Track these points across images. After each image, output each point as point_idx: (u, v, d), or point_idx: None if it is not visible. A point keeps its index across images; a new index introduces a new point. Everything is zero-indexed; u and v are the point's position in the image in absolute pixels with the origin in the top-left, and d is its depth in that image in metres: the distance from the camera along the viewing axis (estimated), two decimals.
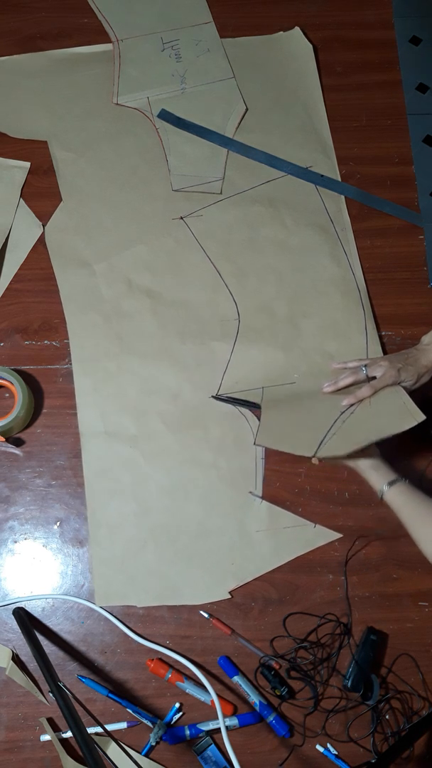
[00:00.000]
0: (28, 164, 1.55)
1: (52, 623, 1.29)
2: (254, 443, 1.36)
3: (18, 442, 1.38)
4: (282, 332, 1.46)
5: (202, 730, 1.22)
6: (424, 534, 1.15)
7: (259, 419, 1.34)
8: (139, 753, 1.21)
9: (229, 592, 1.30)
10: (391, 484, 1.20)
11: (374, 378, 1.29)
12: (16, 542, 1.33)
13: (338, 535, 1.34)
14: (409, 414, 1.23)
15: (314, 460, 1.23)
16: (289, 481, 1.37)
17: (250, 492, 1.36)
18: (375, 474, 1.23)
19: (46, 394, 1.41)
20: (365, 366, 1.31)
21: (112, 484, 1.36)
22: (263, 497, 1.35)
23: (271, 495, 1.36)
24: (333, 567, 1.32)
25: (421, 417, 1.23)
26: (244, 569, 1.32)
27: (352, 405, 1.29)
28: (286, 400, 1.38)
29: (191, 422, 1.40)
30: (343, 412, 1.29)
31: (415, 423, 1.22)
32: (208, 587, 1.31)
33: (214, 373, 1.43)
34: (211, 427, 1.39)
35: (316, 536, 1.34)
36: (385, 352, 1.45)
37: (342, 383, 1.31)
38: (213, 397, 1.40)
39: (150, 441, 1.38)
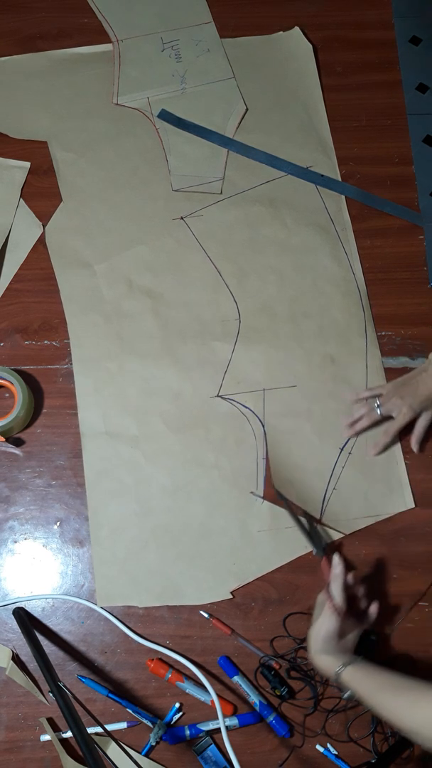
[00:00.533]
0: (28, 164, 1.55)
1: (52, 623, 1.29)
2: (262, 497, 1.37)
3: (18, 442, 1.38)
4: (283, 332, 1.46)
5: (202, 730, 1.22)
6: (391, 707, 1.03)
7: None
8: (139, 753, 1.21)
9: (231, 592, 1.30)
10: (346, 665, 1.10)
11: (390, 417, 1.36)
12: (16, 542, 1.33)
13: (340, 535, 1.34)
14: (402, 497, 1.37)
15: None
16: None
17: (252, 492, 1.36)
18: (328, 659, 1.14)
19: (46, 394, 1.41)
20: (378, 403, 1.35)
21: (114, 484, 1.36)
22: (264, 497, 1.35)
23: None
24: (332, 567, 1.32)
25: (411, 505, 1.36)
26: (245, 569, 1.32)
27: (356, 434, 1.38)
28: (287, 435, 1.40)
29: (192, 422, 1.40)
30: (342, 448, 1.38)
31: (404, 509, 1.36)
32: (209, 587, 1.31)
33: (215, 374, 1.43)
34: (212, 427, 1.40)
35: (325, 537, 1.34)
36: (384, 353, 1.45)
37: (359, 427, 1.37)
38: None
39: (151, 441, 1.38)
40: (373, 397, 1.37)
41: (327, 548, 1.32)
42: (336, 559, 1.21)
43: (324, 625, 1.15)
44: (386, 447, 1.37)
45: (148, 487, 1.36)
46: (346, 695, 1.12)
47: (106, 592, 1.30)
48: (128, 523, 1.34)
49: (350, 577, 1.21)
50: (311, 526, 1.33)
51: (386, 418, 1.37)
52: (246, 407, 1.41)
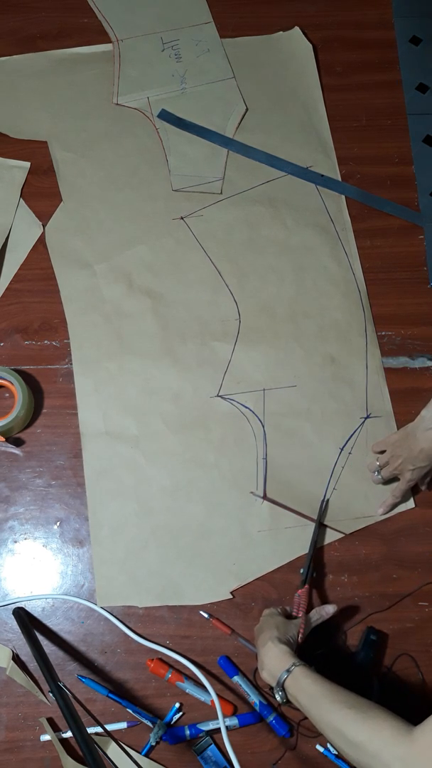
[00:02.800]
0: (28, 164, 1.55)
1: (52, 623, 1.29)
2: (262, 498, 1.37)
3: (18, 442, 1.38)
4: (283, 332, 1.46)
5: (202, 730, 1.22)
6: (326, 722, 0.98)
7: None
8: (139, 753, 1.21)
9: (231, 592, 1.30)
10: (296, 665, 1.06)
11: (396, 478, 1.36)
12: (16, 542, 1.33)
13: (340, 535, 1.34)
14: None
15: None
16: None
17: (252, 492, 1.36)
18: (278, 653, 1.10)
19: (46, 394, 1.41)
20: (378, 469, 1.36)
21: (114, 484, 1.36)
22: (264, 497, 1.35)
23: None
24: (333, 567, 1.32)
25: (411, 505, 1.37)
26: (245, 569, 1.32)
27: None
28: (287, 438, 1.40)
29: (192, 422, 1.40)
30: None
31: (404, 509, 1.37)
32: (209, 587, 1.31)
33: (215, 373, 1.43)
34: (212, 427, 1.40)
35: (319, 537, 1.34)
36: (384, 352, 1.46)
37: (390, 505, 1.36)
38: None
39: (151, 441, 1.38)
40: (378, 454, 1.37)
41: (311, 578, 1.30)
42: (331, 609, 1.22)
43: (272, 612, 1.20)
44: (394, 506, 1.36)
45: (148, 487, 1.36)
46: (278, 696, 1.07)
47: (106, 592, 1.30)
48: (128, 523, 1.34)
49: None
50: (314, 551, 1.32)
51: (393, 479, 1.36)
52: (246, 407, 1.41)
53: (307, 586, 1.27)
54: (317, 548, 1.33)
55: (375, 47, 1.68)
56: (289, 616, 1.22)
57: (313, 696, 1.01)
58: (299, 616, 1.21)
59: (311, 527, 1.33)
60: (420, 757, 0.83)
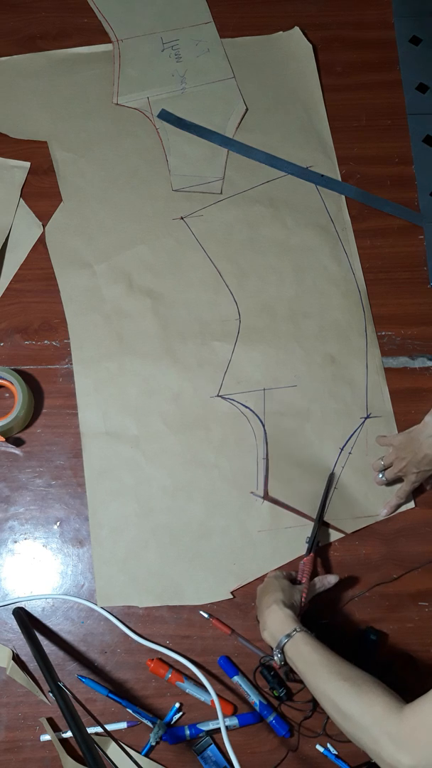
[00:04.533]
0: (28, 164, 1.55)
1: (52, 623, 1.29)
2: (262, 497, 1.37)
3: (18, 442, 1.38)
4: (283, 332, 1.46)
5: (202, 730, 1.22)
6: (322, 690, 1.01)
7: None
8: (139, 753, 1.21)
9: (231, 592, 1.30)
10: (298, 631, 1.09)
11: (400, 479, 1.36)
12: (16, 542, 1.33)
13: (340, 535, 1.34)
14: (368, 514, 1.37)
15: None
16: None
17: (252, 492, 1.36)
18: (279, 616, 1.12)
19: (46, 394, 1.41)
20: (383, 470, 1.37)
21: (114, 484, 1.36)
22: (264, 497, 1.35)
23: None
24: (333, 567, 1.32)
25: (411, 505, 1.37)
26: (245, 569, 1.32)
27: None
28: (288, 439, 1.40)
29: (193, 422, 1.40)
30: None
31: (404, 509, 1.37)
32: (209, 587, 1.31)
33: (215, 373, 1.43)
34: (212, 427, 1.40)
35: (320, 536, 1.34)
36: (384, 352, 1.46)
37: (393, 506, 1.36)
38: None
39: (151, 441, 1.38)
40: (380, 460, 1.37)
41: (316, 548, 1.32)
42: (333, 579, 1.25)
43: (278, 575, 1.23)
44: (397, 507, 1.37)
45: (148, 487, 1.36)
46: (277, 658, 1.10)
47: (106, 592, 1.30)
48: (128, 523, 1.34)
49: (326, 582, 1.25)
50: (320, 522, 1.34)
51: (396, 481, 1.37)
52: (246, 407, 1.41)
53: (312, 554, 1.29)
54: (319, 547, 1.34)
55: (375, 47, 1.68)
56: (293, 581, 1.24)
57: (311, 663, 1.03)
58: (303, 583, 1.23)
59: (312, 527, 1.33)
60: (407, 735, 0.86)
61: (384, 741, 0.87)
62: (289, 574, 1.26)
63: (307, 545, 1.31)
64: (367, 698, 0.93)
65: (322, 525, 1.34)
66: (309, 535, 1.32)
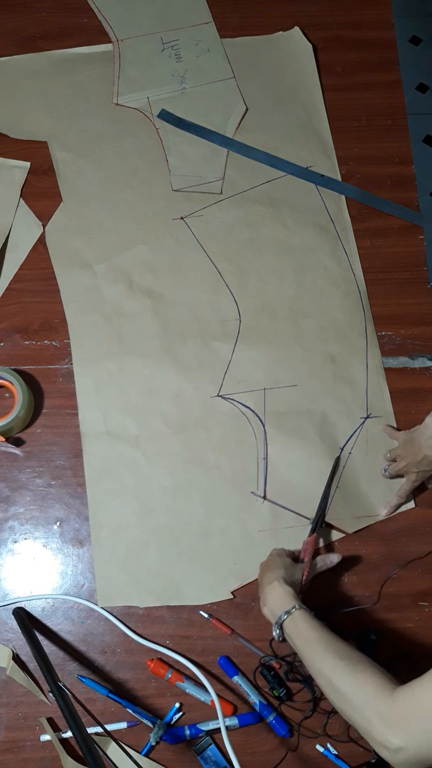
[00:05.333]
0: (28, 164, 1.55)
1: (52, 623, 1.29)
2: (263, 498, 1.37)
3: (18, 442, 1.38)
4: (283, 332, 1.46)
5: (202, 730, 1.22)
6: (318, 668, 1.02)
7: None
8: (139, 753, 1.21)
9: (231, 592, 1.30)
10: (297, 608, 1.10)
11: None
12: (16, 542, 1.33)
13: (340, 535, 1.34)
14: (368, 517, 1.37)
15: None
16: None
17: (252, 492, 1.36)
18: (280, 592, 1.14)
19: (46, 394, 1.41)
20: (387, 465, 1.37)
21: (114, 484, 1.36)
22: (265, 497, 1.35)
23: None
24: (333, 567, 1.32)
25: (411, 505, 1.37)
26: (246, 569, 1.32)
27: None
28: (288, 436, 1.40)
29: (193, 422, 1.40)
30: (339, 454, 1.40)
31: (404, 509, 1.37)
32: (210, 587, 1.31)
33: (216, 373, 1.43)
34: (212, 427, 1.40)
35: (321, 535, 1.34)
36: (384, 352, 1.46)
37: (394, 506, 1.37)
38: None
39: (151, 441, 1.38)
40: (389, 451, 1.38)
41: (320, 528, 1.33)
42: (336, 558, 1.26)
43: (281, 552, 1.25)
44: (398, 507, 1.37)
45: (148, 487, 1.36)
46: (275, 634, 1.12)
47: (107, 593, 1.30)
48: (129, 524, 1.34)
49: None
50: (325, 503, 1.35)
51: (399, 476, 1.37)
52: (246, 407, 1.41)
53: (315, 534, 1.30)
54: (323, 527, 1.35)
55: (375, 47, 1.68)
56: (295, 560, 1.26)
57: (309, 641, 1.04)
58: (305, 561, 1.24)
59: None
60: (398, 716, 0.88)
61: (375, 720, 0.89)
62: (291, 552, 1.28)
63: (311, 525, 1.32)
64: (361, 678, 0.95)
65: (323, 526, 1.34)
66: (312, 517, 1.33)
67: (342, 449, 1.39)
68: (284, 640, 1.11)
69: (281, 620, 1.10)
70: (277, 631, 1.11)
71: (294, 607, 1.10)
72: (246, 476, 1.37)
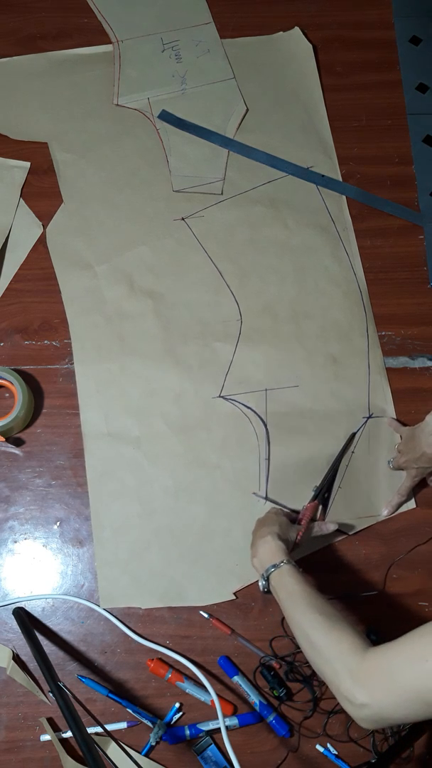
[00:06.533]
0: (28, 164, 1.55)
1: (52, 623, 1.29)
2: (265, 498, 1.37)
3: (18, 442, 1.38)
4: (284, 333, 1.46)
5: (202, 730, 1.22)
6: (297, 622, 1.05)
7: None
8: (139, 753, 1.21)
9: (233, 593, 1.30)
10: (286, 563, 1.13)
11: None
12: (16, 542, 1.33)
13: (342, 536, 1.34)
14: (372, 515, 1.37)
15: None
16: None
17: (254, 493, 1.36)
18: (272, 547, 1.17)
19: (46, 394, 1.41)
20: (391, 458, 1.38)
21: (116, 485, 1.36)
22: (267, 498, 1.35)
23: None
24: (333, 567, 1.32)
25: (411, 505, 1.37)
26: (248, 570, 1.31)
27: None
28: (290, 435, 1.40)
29: (194, 423, 1.40)
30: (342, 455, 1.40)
31: (405, 509, 1.38)
32: (212, 588, 1.31)
33: (217, 374, 1.43)
34: (214, 428, 1.40)
35: (321, 537, 1.34)
36: (384, 352, 1.46)
37: (395, 505, 1.37)
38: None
39: (153, 442, 1.38)
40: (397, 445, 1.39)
41: (322, 498, 1.34)
42: (332, 526, 1.29)
43: (279, 511, 1.27)
44: (399, 505, 1.37)
45: (150, 488, 1.36)
46: (261, 584, 1.15)
47: (109, 594, 1.30)
48: (130, 525, 1.34)
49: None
50: (332, 478, 1.36)
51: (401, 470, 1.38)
52: (248, 407, 1.41)
53: (316, 501, 1.32)
54: (326, 498, 1.36)
55: (375, 47, 1.68)
56: (292, 521, 1.27)
57: (292, 594, 1.07)
58: (302, 525, 1.26)
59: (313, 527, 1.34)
60: (366, 673, 0.90)
61: (344, 675, 0.92)
62: (290, 513, 1.31)
63: (314, 493, 1.34)
64: (337, 634, 0.97)
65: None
66: (316, 485, 1.35)
67: (360, 427, 1.41)
68: (268, 591, 1.14)
69: (269, 572, 1.13)
70: (263, 582, 1.14)
71: (283, 561, 1.12)
72: (248, 477, 1.37)
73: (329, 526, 1.29)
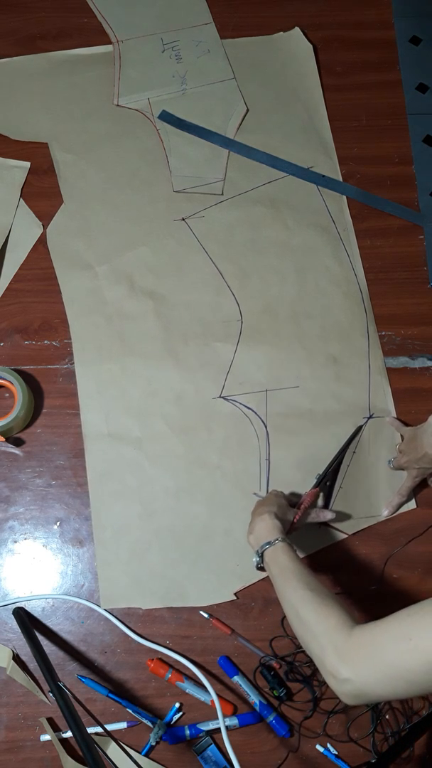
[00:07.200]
0: (28, 164, 1.55)
1: (52, 623, 1.29)
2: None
3: (18, 442, 1.38)
4: (285, 333, 1.46)
5: (202, 730, 1.22)
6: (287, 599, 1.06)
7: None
8: (139, 753, 1.21)
9: (234, 594, 1.30)
10: (281, 540, 1.14)
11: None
12: (16, 542, 1.33)
13: (343, 536, 1.34)
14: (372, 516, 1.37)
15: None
16: None
17: (255, 493, 1.36)
18: (269, 524, 1.18)
19: (46, 394, 1.41)
20: (392, 458, 1.38)
21: (117, 486, 1.36)
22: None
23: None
24: (333, 567, 1.32)
25: (412, 505, 1.37)
26: (249, 570, 1.31)
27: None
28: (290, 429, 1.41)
29: (195, 424, 1.40)
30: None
31: (405, 509, 1.38)
32: (213, 589, 1.31)
33: (218, 375, 1.43)
34: (215, 428, 1.40)
35: (321, 537, 1.34)
36: (384, 352, 1.46)
37: (396, 505, 1.38)
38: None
39: (154, 443, 1.38)
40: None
41: (325, 486, 1.35)
42: (329, 515, 1.30)
43: (280, 494, 1.28)
44: (399, 506, 1.37)
45: (151, 488, 1.36)
46: (254, 560, 1.16)
47: (110, 594, 1.30)
48: (131, 525, 1.34)
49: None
50: (336, 467, 1.37)
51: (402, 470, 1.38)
52: (248, 408, 1.41)
53: (317, 489, 1.32)
54: (328, 486, 1.37)
55: (375, 47, 1.68)
56: (292, 505, 1.28)
57: (285, 570, 1.09)
58: (300, 509, 1.26)
59: (314, 527, 1.34)
60: (351, 649, 0.91)
61: (329, 650, 0.93)
62: (290, 497, 1.32)
63: (316, 480, 1.34)
64: (325, 610, 0.98)
65: (323, 525, 1.34)
66: (319, 473, 1.35)
67: (366, 420, 1.41)
68: (262, 568, 1.16)
69: (263, 549, 1.14)
70: (257, 558, 1.15)
71: (278, 539, 1.14)
72: (248, 477, 1.37)
73: (327, 514, 1.29)
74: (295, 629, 1.02)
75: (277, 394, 1.42)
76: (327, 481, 1.35)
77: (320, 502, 1.35)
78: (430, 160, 1.59)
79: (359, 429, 1.40)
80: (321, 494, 1.35)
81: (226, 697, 1.25)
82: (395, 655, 0.86)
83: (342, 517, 1.35)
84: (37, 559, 1.32)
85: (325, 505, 1.35)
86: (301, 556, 1.32)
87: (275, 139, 1.60)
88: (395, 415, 1.42)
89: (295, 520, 1.24)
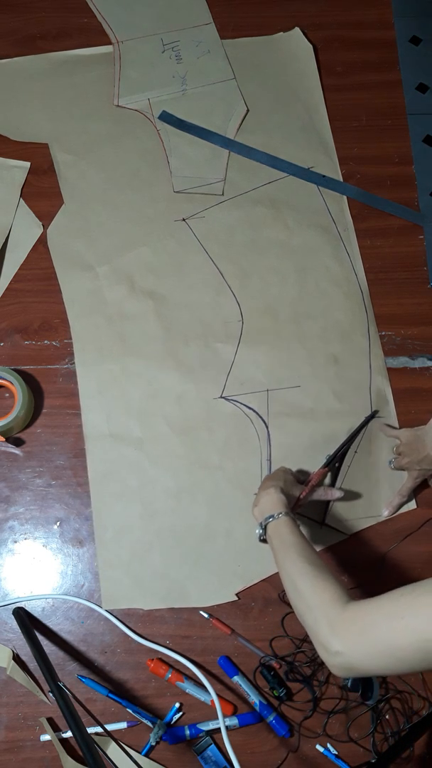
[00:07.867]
0: (28, 164, 1.55)
1: (52, 623, 1.29)
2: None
3: (18, 442, 1.38)
4: (286, 333, 1.46)
5: (202, 730, 1.22)
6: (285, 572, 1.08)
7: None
8: (139, 753, 1.21)
9: (236, 594, 1.30)
10: (285, 514, 1.15)
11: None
12: (16, 542, 1.33)
13: (344, 536, 1.34)
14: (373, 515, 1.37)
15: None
16: None
17: (256, 494, 1.35)
18: (274, 498, 1.19)
19: (46, 394, 1.41)
20: (392, 458, 1.38)
21: (118, 486, 1.36)
22: None
23: None
24: (333, 567, 1.32)
25: (412, 505, 1.37)
26: (250, 571, 1.31)
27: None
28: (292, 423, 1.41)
29: (196, 424, 1.40)
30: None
31: (405, 509, 1.38)
32: (214, 589, 1.31)
33: (218, 375, 1.43)
34: (216, 429, 1.40)
35: (323, 536, 1.34)
36: (384, 352, 1.46)
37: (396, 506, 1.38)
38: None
39: (155, 443, 1.38)
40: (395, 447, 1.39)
41: (334, 466, 1.36)
42: (337, 493, 1.31)
43: (288, 470, 1.29)
44: (400, 506, 1.37)
45: (152, 489, 1.36)
46: (257, 532, 1.17)
47: (111, 595, 1.30)
48: (132, 526, 1.34)
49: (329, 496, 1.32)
50: (345, 450, 1.38)
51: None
52: (250, 408, 1.41)
53: (326, 468, 1.32)
54: (337, 467, 1.37)
55: (375, 47, 1.68)
56: (300, 482, 1.29)
57: (286, 543, 1.10)
58: (308, 486, 1.27)
59: (316, 527, 1.34)
60: (344, 624, 0.93)
61: (323, 623, 0.95)
62: (298, 474, 1.33)
63: (326, 460, 1.35)
64: (322, 584, 1.00)
65: (324, 525, 1.34)
66: (329, 453, 1.36)
67: (376, 411, 1.42)
68: (264, 540, 1.17)
69: (267, 521, 1.15)
70: (260, 530, 1.17)
71: (281, 512, 1.15)
72: (250, 478, 1.37)
73: (335, 492, 1.30)
74: (292, 601, 1.04)
75: (278, 393, 1.42)
76: (336, 463, 1.36)
77: (327, 481, 1.36)
78: (430, 160, 1.59)
79: (373, 415, 1.40)
80: (329, 474, 1.35)
81: (226, 697, 1.25)
82: (386, 632, 0.88)
83: (342, 517, 1.35)
84: (37, 559, 1.32)
85: (332, 484, 1.35)
86: None
87: (275, 139, 1.60)
88: (395, 416, 1.42)
89: (301, 496, 1.24)
